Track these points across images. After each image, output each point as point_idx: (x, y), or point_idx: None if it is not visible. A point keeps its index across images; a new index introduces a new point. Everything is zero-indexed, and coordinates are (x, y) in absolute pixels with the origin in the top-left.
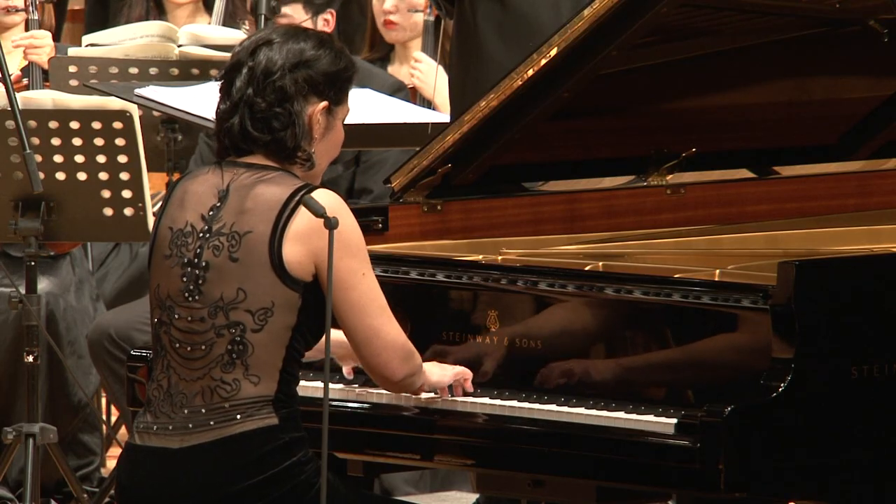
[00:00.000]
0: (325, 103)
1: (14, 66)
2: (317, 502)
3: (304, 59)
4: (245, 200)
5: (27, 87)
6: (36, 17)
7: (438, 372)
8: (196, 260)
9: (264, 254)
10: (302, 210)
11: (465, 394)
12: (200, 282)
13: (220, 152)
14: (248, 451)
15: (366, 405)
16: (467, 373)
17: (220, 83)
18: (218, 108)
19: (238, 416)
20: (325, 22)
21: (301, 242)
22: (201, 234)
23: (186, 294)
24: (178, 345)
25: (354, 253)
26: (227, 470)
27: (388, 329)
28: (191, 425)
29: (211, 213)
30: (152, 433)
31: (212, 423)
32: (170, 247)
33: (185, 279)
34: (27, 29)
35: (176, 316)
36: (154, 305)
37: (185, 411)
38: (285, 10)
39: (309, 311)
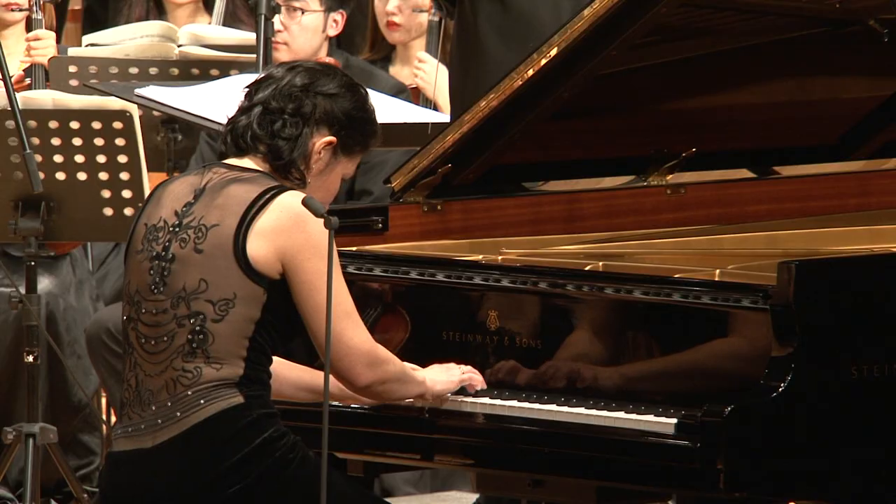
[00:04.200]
0: (332, 139)
1: (15, 66)
2: (297, 478)
3: (328, 91)
4: (217, 197)
5: (30, 87)
6: (40, 17)
7: (444, 379)
8: (164, 253)
9: (228, 246)
10: (270, 208)
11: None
12: (166, 273)
13: (220, 154)
14: (217, 434)
15: (366, 405)
16: (475, 377)
17: (244, 94)
18: (234, 113)
19: (202, 401)
20: (335, 22)
21: (267, 239)
22: (172, 229)
23: (153, 287)
24: (143, 340)
25: (323, 255)
26: (200, 458)
27: (350, 334)
28: (160, 421)
29: (184, 208)
30: (127, 437)
31: (178, 414)
32: (142, 242)
33: (152, 272)
34: (30, 29)
35: (143, 311)
36: (125, 303)
37: (153, 408)
38: None
39: (275, 310)
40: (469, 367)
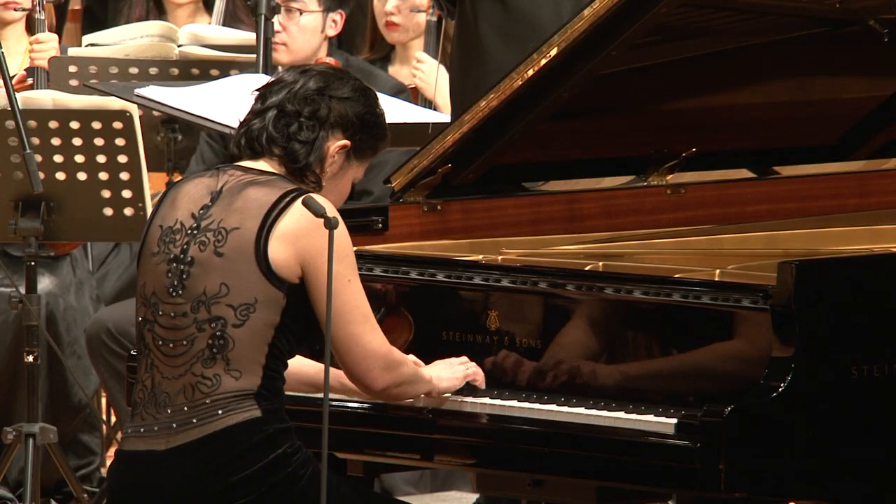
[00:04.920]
0: (347, 142)
1: (15, 65)
2: (306, 494)
3: (342, 95)
4: (236, 200)
5: (32, 87)
6: (43, 18)
7: (448, 376)
8: (182, 256)
9: (250, 250)
10: (291, 211)
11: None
12: (185, 277)
13: (231, 157)
14: (232, 446)
15: (366, 405)
16: (478, 373)
17: (255, 96)
18: (246, 116)
19: (220, 412)
20: (334, 23)
21: (288, 242)
22: (189, 231)
23: (171, 290)
24: (160, 342)
25: (341, 259)
26: (213, 467)
27: (369, 337)
28: (175, 425)
29: (202, 211)
30: (139, 437)
31: (195, 420)
32: (158, 244)
33: (170, 275)
34: (31, 27)
35: (160, 313)
36: (139, 304)
37: (169, 411)
38: None
39: (294, 314)
40: (473, 368)
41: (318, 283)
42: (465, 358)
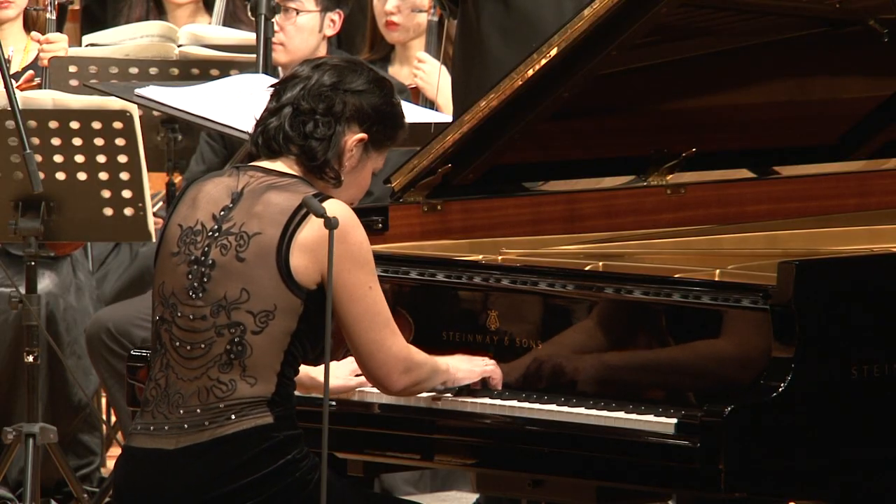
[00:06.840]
0: (364, 135)
1: (14, 64)
2: (313, 499)
3: (357, 87)
4: (256, 204)
5: (40, 86)
6: (53, 17)
7: (466, 368)
8: (203, 258)
9: (271, 257)
10: (313, 219)
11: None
12: (205, 280)
13: (247, 157)
14: (242, 451)
15: (367, 402)
16: (496, 373)
17: (270, 93)
18: (262, 113)
19: (233, 416)
20: (332, 22)
21: (309, 251)
22: (210, 233)
23: (191, 292)
24: (178, 343)
25: (362, 265)
26: (222, 470)
27: (390, 343)
28: (186, 426)
29: (222, 212)
30: (148, 434)
31: (207, 423)
32: (178, 244)
33: (190, 276)
34: (30, 28)
35: (178, 314)
36: (157, 303)
37: (181, 411)
38: None
39: (310, 320)
40: (491, 367)
41: (338, 292)
42: (492, 361)
